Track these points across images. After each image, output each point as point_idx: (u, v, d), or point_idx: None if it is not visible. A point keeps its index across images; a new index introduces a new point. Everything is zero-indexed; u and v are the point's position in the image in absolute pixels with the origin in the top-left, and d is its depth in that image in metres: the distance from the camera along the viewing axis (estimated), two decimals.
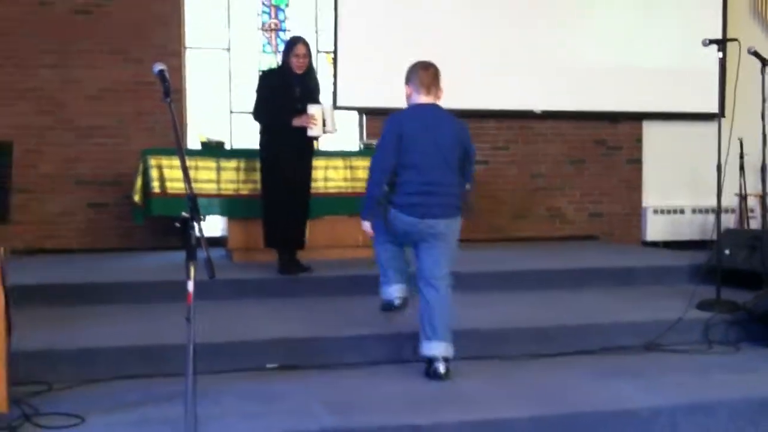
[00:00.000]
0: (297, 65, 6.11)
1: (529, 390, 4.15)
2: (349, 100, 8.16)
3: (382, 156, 4.46)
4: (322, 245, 6.77)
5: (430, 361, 4.36)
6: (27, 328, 4.51)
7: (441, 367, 4.32)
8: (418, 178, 4.38)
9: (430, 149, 4.40)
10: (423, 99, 4.55)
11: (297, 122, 6.10)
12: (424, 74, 4.56)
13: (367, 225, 4.56)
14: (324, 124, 6.18)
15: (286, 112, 6.08)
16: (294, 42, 6.17)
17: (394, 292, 4.70)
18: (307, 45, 6.17)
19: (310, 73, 6.26)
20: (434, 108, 4.56)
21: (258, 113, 6.23)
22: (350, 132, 8.50)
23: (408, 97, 4.61)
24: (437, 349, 4.34)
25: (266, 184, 6.26)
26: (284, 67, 6.20)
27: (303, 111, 6.11)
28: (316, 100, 6.24)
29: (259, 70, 8.42)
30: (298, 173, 6.21)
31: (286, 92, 6.11)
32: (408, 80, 4.60)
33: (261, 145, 6.32)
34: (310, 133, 6.14)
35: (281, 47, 8.71)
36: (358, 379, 4.33)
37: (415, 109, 4.55)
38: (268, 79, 6.31)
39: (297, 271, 6.20)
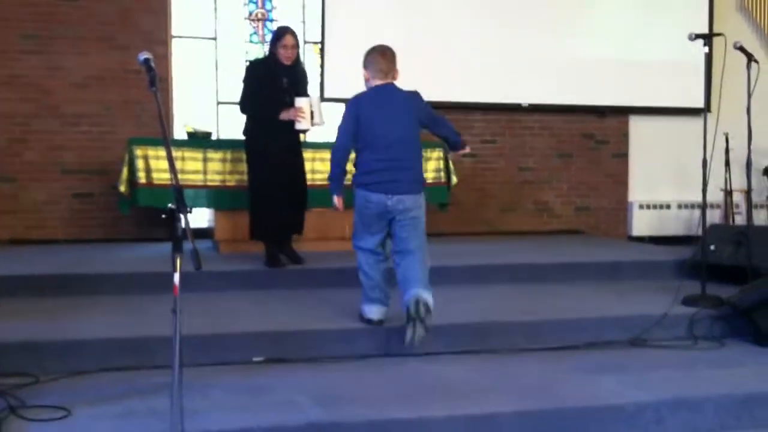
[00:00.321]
0: (285, 56, 6.06)
1: (516, 384, 4.16)
2: (337, 92, 8.11)
3: (340, 137, 4.82)
4: (309, 237, 6.75)
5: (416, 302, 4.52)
6: (12, 320, 4.50)
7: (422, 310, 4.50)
8: (378, 156, 4.66)
9: (387, 127, 4.68)
10: (379, 82, 4.81)
11: (285, 116, 6.07)
12: (381, 59, 4.81)
13: (336, 200, 4.95)
14: (312, 117, 6.14)
15: (273, 103, 6.05)
16: (282, 32, 6.12)
17: (375, 314, 4.85)
18: (295, 35, 6.13)
19: (297, 64, 6.23)
20: (389, 88, 4.80)
21: (244, 104, 6.19)
22: (338, 123, 8.45)
23: (366, 81, 4.87)
24: (418, 294, 4.52)
25: (253, 177, 6.24)
26: (271, 58, 6.16)
27: (290, 103, 6.08)
28: (303, 92, 6.20)
29: (246, 61, 8.38)
30: (287, 165, 6.18)
31: (273, 83, 6.08)
32: (366, 65, 4.85)
33: (246, 136, 6.27)
34: (298, 126, 6.10)
35: (268, 37, 8.64)
36: (346, 373, 4.33)
37: (371, 92, 4.83)
38: (255, 70, 6.26)
39: (283, 264, 6.18)
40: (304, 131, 6.35)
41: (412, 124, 4.79)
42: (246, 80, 6.22)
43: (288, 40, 6.05)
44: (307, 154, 6.78)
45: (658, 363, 4.62)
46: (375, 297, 4.84)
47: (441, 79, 8.52)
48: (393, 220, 4.70)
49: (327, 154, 6.98)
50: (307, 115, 6.10)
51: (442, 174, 7.69)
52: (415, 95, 4.86)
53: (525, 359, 4.66)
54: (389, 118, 4.71)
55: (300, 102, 6.04)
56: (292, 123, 6.09)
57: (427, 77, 8.29)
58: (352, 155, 4.93)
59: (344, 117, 4.82)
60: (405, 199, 4.66)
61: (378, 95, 4.78)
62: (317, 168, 7.01)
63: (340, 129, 4.83)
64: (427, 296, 4.57)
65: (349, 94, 6.02)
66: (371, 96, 4.81)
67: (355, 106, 4.79)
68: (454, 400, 3.88)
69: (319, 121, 6.17)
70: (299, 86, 6.19)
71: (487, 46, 8.66)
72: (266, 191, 6.11)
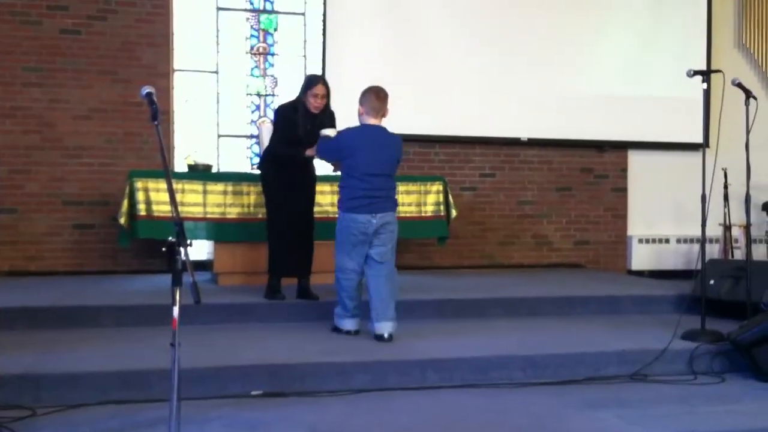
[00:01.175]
0: (314, 105, 5.98)
1: (515, 419, 4.14)
2: (338, 125, 8.11)
3: (326, 152, 5.61)
4: (313, 270, 6.74)
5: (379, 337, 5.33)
6: (10, 351, 4.48)
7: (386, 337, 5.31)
8: (363, 185, 5.31)
9: (373, 164, 5.33)
10: (372, 120, 5.42)
11: (310, 152, 6.01)
12: (375, 99, 5.40)
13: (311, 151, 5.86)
14: None
15: (293, 143, 6.02)
16: (314, 81, 6.02)
17: (351, 324, 5.52)
18: (326, 85, 6.05)
19: (325, 112, 6.11)
20: (380, 129, 5.44)
21: (275, 150, 6.15)
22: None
23: (360, 115, 5.46)
24: (385, 329, 5.32)
25: (271, 215, 6.23)
26: (300, 104, 6.04)
27: (307, 144, 6.03)
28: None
29: (251, 95, 8.44)
30: (301, 203, 6.20)
31: (296, 128, 6.02)
32: (361, 102, 5.44)
33: (266, 177, 6.27)
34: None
35: (270, 71, 8.75)
36: (343, 407, 4.30)
37: (364, 129, 5.43)
38: (283, 114, 6.14)
39: (282, 297, 6.16)
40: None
41: (393, 163, 5.50)
42: (276, 125, 6.17)
43: (319, 89, 5.96)
44: (325, 187, 6.86)
45: (658, 398, 4.60)
46: (352, 311, 5.49)
47: (440, 112, 8.58)
48: (374, 234, 5.34)
49: (327, 187, 7.08)
50: None
51: (442, 207, 7.72)
52: (401, 143, 5.56)
53: (524, 394, 4.64)
54: (379, 156, 5.37)
55: (326, 131, 5.83)
56: (307, 160, 6.12)
57: (426, 111, 8.41)
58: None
59: (337, 140, 5.51)
60: (386, 216, 5.37)
61: (371, 135, 5.39)
62: (319, 201, 7.01)
63: (329, 147, 5.55)
64: (390, 328, 5.34)
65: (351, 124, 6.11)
66: (363, 134, 5.41)
67: (346, 138, 5.43)
68: None
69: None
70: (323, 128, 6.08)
71: (487, 80, 8.72)
72: (279, 226, 6.13)
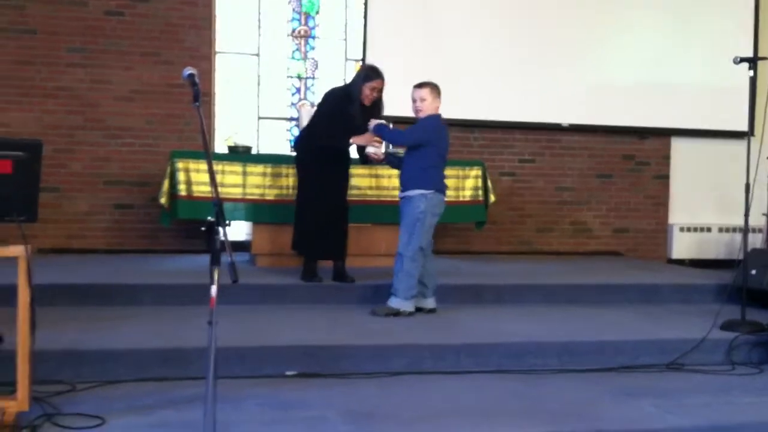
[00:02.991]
0: (368, 97, 5.95)
1: (551, 405, 4.12)
2: None
3: (409, 137, 5.73)
4: (349, 253, 6.77)
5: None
6: (51, 328, 4.56)
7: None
8: (442, 168, 5.73)
9: (444, 150, 5.75)
10: (436, 111, 5.70)
11: (359, 140, 5.97)
12: (439, 94, 5.72)
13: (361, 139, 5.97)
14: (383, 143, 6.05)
15: (345, 134, 5.98)
16: (375, 74, 5.96)
17: (412, 305, 5.66)
18: (384, 81, 5.98)
19: (377, 105, 6.07)
20: (441, 119, 5.75)
21: (321, 133, 6.06)
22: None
23: (424, 102, 5.64)
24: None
25: (307, 197, 6.18)
26: (354, 92, 5.99)
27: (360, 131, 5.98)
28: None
29: (292, 77, 8.47)
30: (337, 186, 6.18)
31: (350, 117, 5.96)
32: (432, 93, 5.67)
33: (303, 159, 6.23)
34: (370, 150, 5.98)
35: (310, 54, 8.76)
36: (378, 390, 4.32)
37: (438, 118, 5.70)
38: (336, 101, 6.08)
39: (320, 279, 6.19)
40: (376, 158, 6.07)
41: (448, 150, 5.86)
42: (328, 111, 6.08)
43: (378, 83, 5.93)
44: None
45: (695, 388, 4.55)
46: (414, 293, 5.64)
47: (482, 98, 8.54)
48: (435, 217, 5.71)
49: (362, 170, 7.07)
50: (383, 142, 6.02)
51: (480, 192, 7.70)
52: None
53: (559, 380, 4.62)
54: (445, 141, 5.75)
55: (378, 122, 5.84)
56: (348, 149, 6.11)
57: (466, 96, 8.36)
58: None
59: (424, 129, 5.65)
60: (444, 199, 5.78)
61: (439, 121, 5.70)
62: (354, 184, 7.02)
63: (417, 132, 5.68)
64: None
65: (388, 111, 6.09)
66: (437, 120, 5.68)
67: (430, 124, 5.65)
68: (487, 420, 3.86)
69: (392, 148, 6.03)
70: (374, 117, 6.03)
71: (528, 66, 8.66)
72: (318, 209, 6.10)
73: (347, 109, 5.96)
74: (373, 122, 5.82)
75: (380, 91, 5.99)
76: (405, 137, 5.77)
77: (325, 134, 6.04)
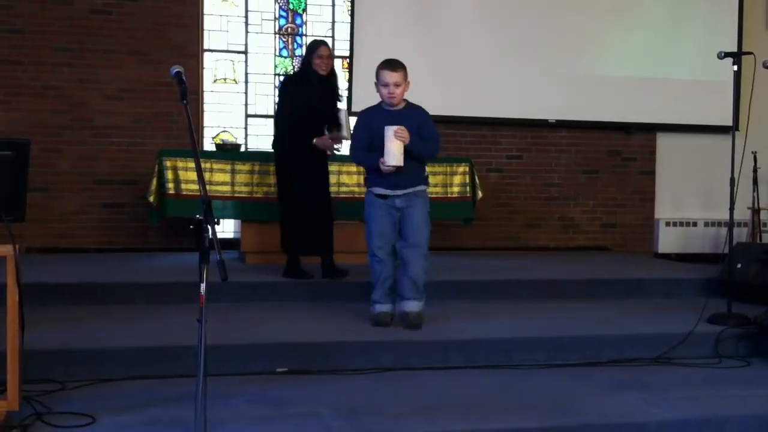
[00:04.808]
0: (321, 66, 6.04)
1: (539, 400, 4.14)
2: (365, 105, 8.12)
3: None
4: (335, 250, 6.78)
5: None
6: (40, 327, 4.55)
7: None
8: None
9: None
10: None
11: (319, 143, 6.06)
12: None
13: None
14: (341, 130, 6.16)
15: (306, 123, 6.04)
16: (317, 43, 6.15)
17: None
18: (329, 47, 6.17)
19: (332, 76, 6.21)
20: None
21: (281, 121, 6.17)
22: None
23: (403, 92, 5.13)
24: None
25: (284, 190, 6.25)
26: (306, 69, 6.12)
27: (325, 113, 6.08)
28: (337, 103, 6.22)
29: (280, 75, 8.47)
30: (314, 178, 6.18)
31: (308, 95, 6.04)
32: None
33: (278, 152, 6.26)
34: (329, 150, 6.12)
35: (298, 51, 8.77)
36: (367, 385, 4.34)
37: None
38: (290, 83, 6.29)
39: (309, 276, 6.19)
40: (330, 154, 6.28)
41: None
42: (281, 95, 6.23)
43: (323, 50, 6.07)
44: (333, 167, 6.83)
45: (683, 381, 4.58)
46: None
47: (467, 94, 8.56)
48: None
49: (353, 167, 7.09)
50: (344, 128, 6.11)
51: (468, 189, 7.72)
52: None
53: (547, 375, 4.65)
54: None
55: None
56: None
57: (452, 93, 8.39)
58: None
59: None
60: None
61: None
62: (343, 181, 7.06)
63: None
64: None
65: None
66: None
67: None
68: (475, 415, 3.89)
69: (347, 135, 6.15)
70: (333, 95, 6.19)
71: (514, 61, 8.68)
72: (293, 204, 6.13)
73: (306, 92, 6.03)
74: (391, 133, 4.98)
75: (329, 57, 6.10)
76: (437, 145, 5.35)
77: (287, 123, 6.09)
